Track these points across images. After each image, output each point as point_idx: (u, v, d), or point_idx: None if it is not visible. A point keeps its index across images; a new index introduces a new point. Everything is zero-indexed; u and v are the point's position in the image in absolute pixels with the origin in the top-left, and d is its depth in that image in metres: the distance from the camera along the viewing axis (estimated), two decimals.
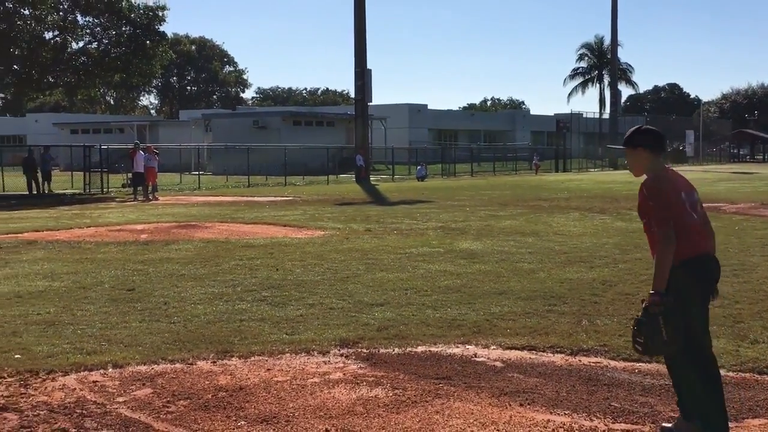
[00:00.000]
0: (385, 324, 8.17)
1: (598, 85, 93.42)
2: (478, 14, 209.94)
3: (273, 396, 5.90)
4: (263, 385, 6.17)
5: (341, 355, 7.04)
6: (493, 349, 7.27)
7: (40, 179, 33.79)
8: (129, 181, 35.52)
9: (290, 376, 6.40)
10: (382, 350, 7.21)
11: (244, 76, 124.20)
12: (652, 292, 4.65)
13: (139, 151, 31.19)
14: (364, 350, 7.20)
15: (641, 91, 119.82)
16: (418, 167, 48.88)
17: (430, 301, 9.38)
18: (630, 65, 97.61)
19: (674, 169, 5.06)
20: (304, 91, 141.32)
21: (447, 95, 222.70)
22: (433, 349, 7.28)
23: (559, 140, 68.99)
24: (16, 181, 35.78)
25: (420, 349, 7.28)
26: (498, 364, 6.78)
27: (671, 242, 4.65)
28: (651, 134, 4.95)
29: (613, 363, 6.77)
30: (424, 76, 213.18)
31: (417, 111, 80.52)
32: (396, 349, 7.24)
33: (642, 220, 4.87)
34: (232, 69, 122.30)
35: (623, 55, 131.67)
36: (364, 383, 6.18)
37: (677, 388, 5.00)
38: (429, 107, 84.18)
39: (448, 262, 12.44)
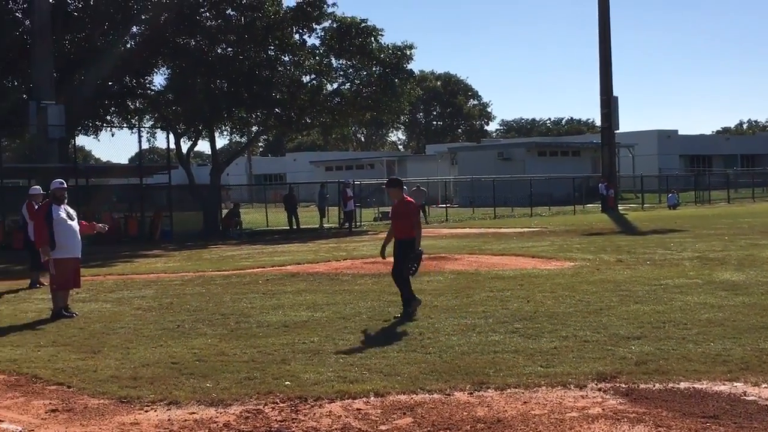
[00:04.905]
0: (643, 358, 7.92)
1: None
2: (730, 32, 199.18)
3: (531, 429, 5.88)
4: (521, 417, 6.17)
5: (599, 390, 6.90)
6: (765, 387, 6.84)
7: (318, 216, 36.24)
8: (380, 215, 37.20)
9: (548, 409, 6.36)
10: (642, 385, 6.99)
11: (488, 109, 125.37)
12: (420, 249, 11.25)
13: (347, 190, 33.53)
14: (623, 385, 7.02)
15: None
16: (669, 195, 47.02)
17: (691, 335, 8.97)
18: None
19: None
20: (548, 122, 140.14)
21: (699, 119, 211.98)
22: (697, 385, 6.96)
23: None
24: (278, 217, 38.17)
25: (683, 385, 6.98)
26: None
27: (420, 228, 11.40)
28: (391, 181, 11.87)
29: None
30: (674, 100, 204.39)
31: (667, 137, 77.74)
32: (657, 385, 6.99)
33: (398, 219, 11.34)
34: (476, 102, 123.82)
35: None
36: (625, 419, 6.02)
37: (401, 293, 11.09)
38: (679, 132, 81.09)
39: (707, 293, 11.86)
